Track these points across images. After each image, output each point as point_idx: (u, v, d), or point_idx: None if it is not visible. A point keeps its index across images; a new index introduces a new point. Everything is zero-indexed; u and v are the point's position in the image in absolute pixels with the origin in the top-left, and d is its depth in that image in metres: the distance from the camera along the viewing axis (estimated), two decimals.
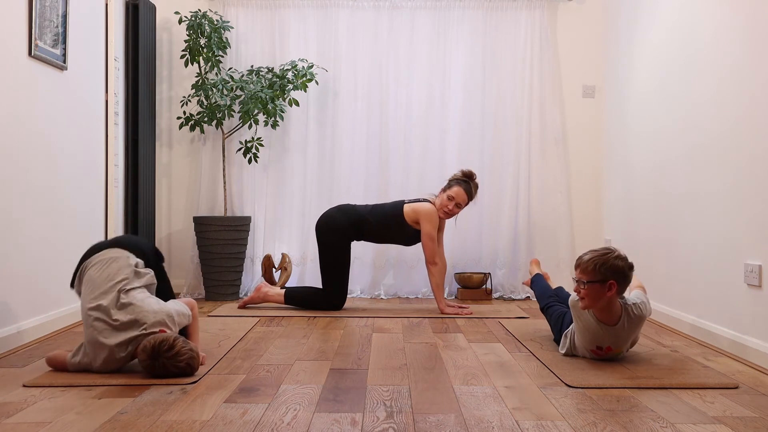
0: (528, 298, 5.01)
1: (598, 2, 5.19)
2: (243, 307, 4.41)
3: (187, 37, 4.85)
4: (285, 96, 4.84)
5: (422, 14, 5.14)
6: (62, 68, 3.64)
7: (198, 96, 4.86)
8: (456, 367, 2.90)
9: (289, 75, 4.86)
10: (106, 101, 4.24)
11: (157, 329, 2.67)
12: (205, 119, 4.82)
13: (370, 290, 5.08)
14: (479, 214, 5.04)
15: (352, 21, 5.14)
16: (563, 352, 3.09)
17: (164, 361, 2.58)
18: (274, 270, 4.77)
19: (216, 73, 4.94)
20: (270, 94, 4.74)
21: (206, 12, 4.88)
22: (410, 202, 4.42)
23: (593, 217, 5.20)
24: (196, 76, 4.96)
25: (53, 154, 3.57)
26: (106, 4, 4.26)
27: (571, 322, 3.10)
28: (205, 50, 4.83)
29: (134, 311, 2.68)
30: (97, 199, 4.12)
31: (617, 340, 2.93)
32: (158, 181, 5.14)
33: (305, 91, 4.95)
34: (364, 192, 5.09)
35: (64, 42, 3.64)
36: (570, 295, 3.09)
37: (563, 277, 5.04)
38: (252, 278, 5.08)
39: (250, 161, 4.91)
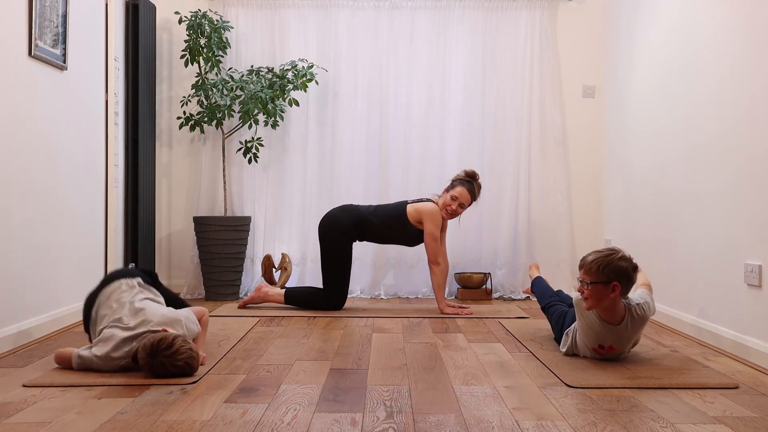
0: (528, 298, 5.01)
1: (598, 2, 5.19)
2: (243, 307, 4.41)
3: (187, 37, 4.85)
4: (285, 96, 4.84)
5: (422, 14, 5.14)
6: (62, 68, 3.64)
7: (198, 96, 4.86)
8: (456, 367, 2.90)
9: (289, 75, 4.86)
10: (106, 101, 4.24)
11: (159, 328, 2.68)
12: (205, 119, 4.82)
13: (370, 290, 5.08)
14: (479, 214, 5.04)
15: (352, 21, 5.14)
16: (564, 350, 3.09)
17: (162, 360, 2.58)
18: (274, 270, 4.78)
19: (216, 73, 4.94)
20: (270, 94, 4.74)
21: (206, 12, 4.88)
22: (413, 202, 4.42)
23: (593, 217, 5.20)
24: (196, 76, 4.96)
25: (53, 154, 3.57)
26: (106, 4, 4.26)
27: (572, 320, 3.10)
28: (205, 50, 4.83)
29: (144, 314, 2.76)
30: (97, 199, 4.12)
31: (620, 339, 2.93)
32: (158, 181, 5.14)
33: (305, 91, 4.95)
34: (364, 192, 5.09)
35: (64, 42, 3.64)
36: (570, 296, 3.09)
37: (563, 278, 5.04)
38: (252, 278, 5.08)
39: (250, 161, 4.91)
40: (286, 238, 5.14)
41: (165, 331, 2.67)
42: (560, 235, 5.12)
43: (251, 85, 4.78)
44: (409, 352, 3.17)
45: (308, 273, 5.08)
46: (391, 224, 4.36)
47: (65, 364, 2.76)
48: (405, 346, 3.30)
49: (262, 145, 4.96)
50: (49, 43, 3.49)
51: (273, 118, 4.84)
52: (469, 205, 4.41)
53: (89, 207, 4.01)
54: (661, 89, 4.07)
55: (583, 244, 5.14)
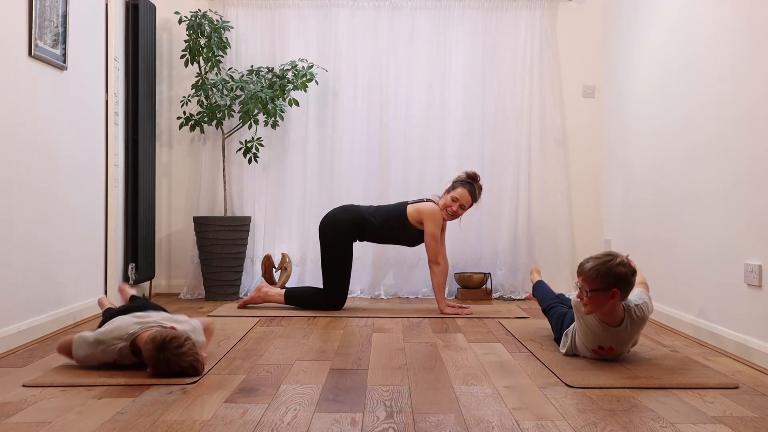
0: (528, 298, 5.01)
1: (598, 2, 5.19)
2: (243, 307, 4.41)
3: (187, 37, 4.85)
4: (285, 96, 4.84)
5: (422, 14, 5.14)
6: (62, 68, 3.64)
7: (198, 96, 4.86)
8: (456, 367, 2.90)
9: (289, 75, 4.86)
10: (106, 101, 4.24)
11: (168, 324, 2.72)
12: (205, 119, 4.82)
13: (370, 290, 5.08)
14: (479, 214, 5.03)
15: (352, 21, 5.14)
16: (564, 351, 3.09)
17: (169, 356, 2.58)
18: (274, 270, 4.78)
19: (216, 73, 4.94)
20: (270, 94, 4.74)
21: (206, 12, 4.88)
22: (413, 202, 4.42)
23: (593, 217, 5.20)
24: (196, 76, 4.96)
25: (53, 154, 3.57)
26: (106, 4, 4.26)
27: (571, 321, 3.10)
28: (205, 50, 4.83)
29: (152, 316, 2.84)
30: (97, 199, 4.12)
31: (619, 341, 2.93)
32: (158, 181, 5.14)
33: (305, 91, 4.95)
34: (364, 192, 5.10)
35: (64, 42, 3.64)
36: (570, 299, 3.09)
37: (563, 278, 5.04)
38: (252, 278, 5.08)
39: (250, 161, 4.91)
40: (286, 238, 5.14)
41: (173, 328, 2.68)
42: (560, 235, 5.12)
43: (251, 85, 4.78)
44: (409, 352, 3.17)
45: (308, 273, 5.08)
46: (392, 224, 4.36)
47: (66, 350, 2.77)
48: (405, 346, 3.30)
49: (262, 145, 4.96)
50: (49, 43, 3.49)
51: (273, 118, 4.84)
52: (470, 206, 4.41)
53: (89, 207, 4.01)
54: (661, 89, 4.07)
55: (583, 244, 5.14)
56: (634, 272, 2.88)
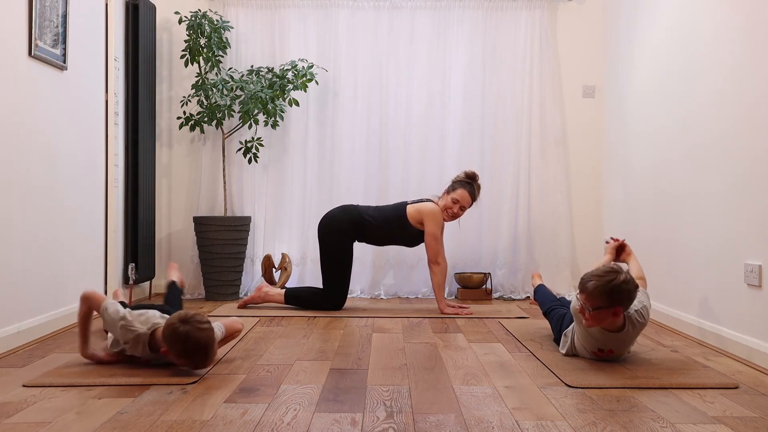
0: (528, 298, 5.02)
1: (598, 2, 5.19)
2: (243, 307, 4.41)
3: (187, 37, 4.86)
4: (285, 96, 4.84)
5: (422, 14, 5.14)
6: (62, 68, 3.64)
7: (198, 96, 4.86)
8: (456, 367, 2.90)
9: (289, 75, 4.86)
10: (106, 101, 4.24)
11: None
12: (205, 119, 4.82)
13: (370, 290, 5.08)
14: (479, 214, 5.04)
15: (352, 21, 5.14)
16: (564, 351, 3.09)
17: (189, 328, 2.61)
18: (274, 270, 4.78)
19: (216, 73, 4.94)
20: (270, 94, 4.74)
21: (206, 12, 4.88)
22: (413, 202, 4.42)
23: (593, 217, 5.20)
24: (196, 76, 4.96)
25: (53, 154, 3.57)
26: (106, 4, 4.26)
27: (571, 321, 3.10)
28: (205, 50, 4.83)
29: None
30: (97, 199, 4.12)
31: (619, 344, 2.93)
32: (158, 181, 5.14)
33: (305, 91, 4.95)
34: (364, 192, 5.10)
35: (64, 42, 3.64)
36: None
37: (563, 278, 5.05)
38: (252, 278, 5.08)
39: (250, 161, 4.91)
40: (286, 238, 5.14)
41: None
42: (560, 235, 5.12)
43: (251, 85, 4.78)
44: (409, 352, 3.17)
45: (308, 273, 5.08)
46: (392, 225, 4.36)
47: (95, 302, 2.80)
48: (405, 346, 3.30)
49: (262, 145, 4.96)
50: (49, 43, 3.49)
51: (273, 118, 4.84)
52: (470, 206, 4.41)
53: (89, 207, 4.01)
54: (661, 89, 4.07)
55: (583, 244, 5.14)
56: (636, 287, 2.86)
